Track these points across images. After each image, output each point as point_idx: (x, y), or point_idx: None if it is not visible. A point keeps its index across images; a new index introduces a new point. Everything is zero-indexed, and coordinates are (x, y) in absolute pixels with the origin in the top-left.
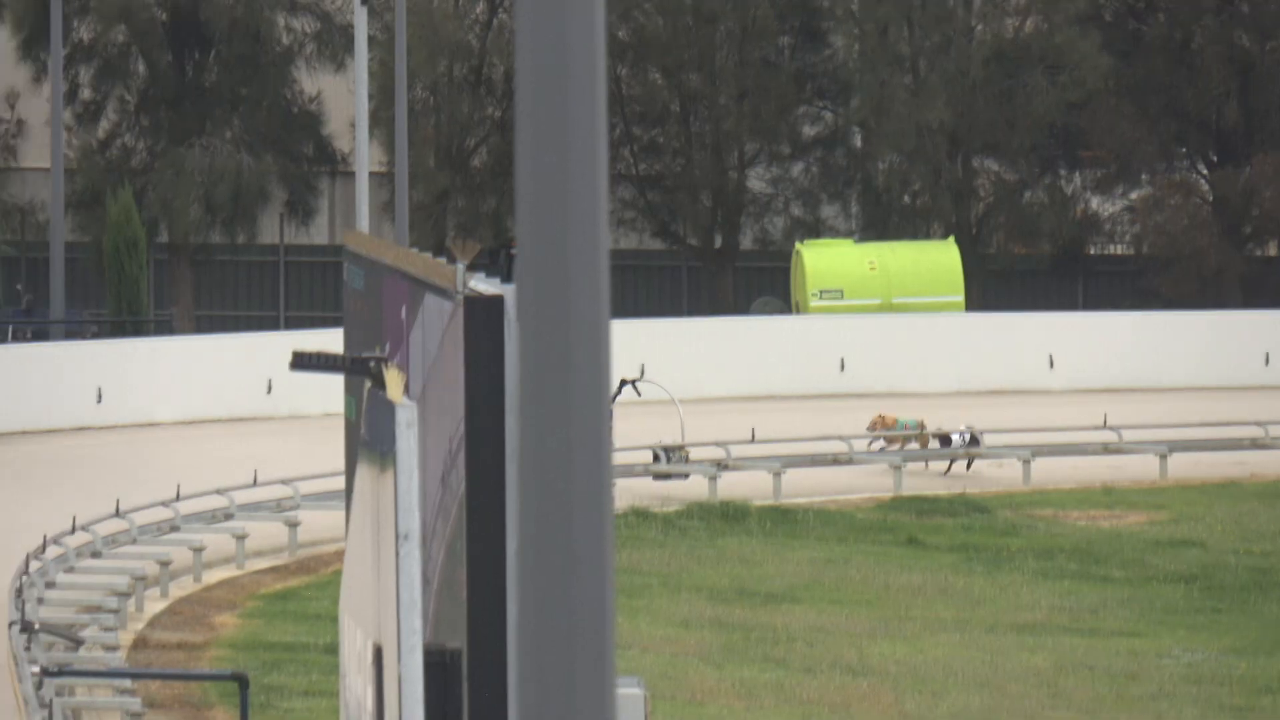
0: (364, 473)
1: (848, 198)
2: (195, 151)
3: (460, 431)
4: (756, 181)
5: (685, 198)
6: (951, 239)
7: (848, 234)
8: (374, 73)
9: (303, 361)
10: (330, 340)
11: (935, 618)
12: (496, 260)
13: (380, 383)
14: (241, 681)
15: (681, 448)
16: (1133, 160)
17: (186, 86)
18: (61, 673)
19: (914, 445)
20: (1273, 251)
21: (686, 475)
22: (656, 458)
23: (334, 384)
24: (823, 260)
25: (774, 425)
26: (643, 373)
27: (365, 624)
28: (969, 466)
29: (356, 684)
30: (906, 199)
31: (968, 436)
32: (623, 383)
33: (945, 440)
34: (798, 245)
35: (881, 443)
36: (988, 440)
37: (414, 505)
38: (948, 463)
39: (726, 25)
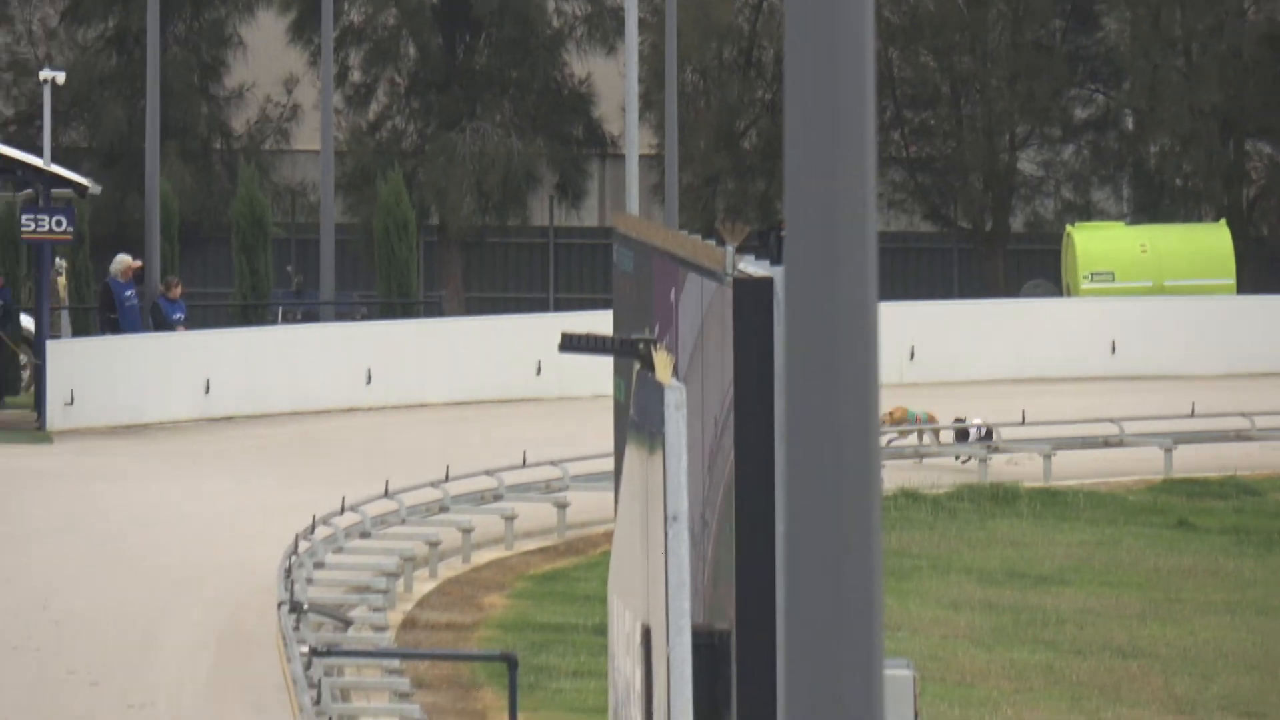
0: (632, 454)
1: (1119, 180)
2: (466, 135)
3: (726, 412)
4: (1027, 164)
5: (956, 180)
6: (1223, 222)
7: (1118, 217)
8: (644, 55)
9: (571, 343)
10: (599, 322)
11: (1206, 600)
12: (766, 242)
13: (649, 364)
14: (510, 662)
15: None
16: None
17: (456, 69)
18: (330, 653)
19: (927, 438)
20: None
21: (964, 458)
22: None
23: (603, 366)
24: (1094, 243)
25: (1044, 407)
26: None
27: (634, 605)
28: (969, 460)
29: (625, 665)
30: (1178, 182)
31: (984, 430)
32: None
33: (963, 434)
34: (1069, 228)
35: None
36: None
37: (682, 486)
38: (964, 456)
39: (998, 7)
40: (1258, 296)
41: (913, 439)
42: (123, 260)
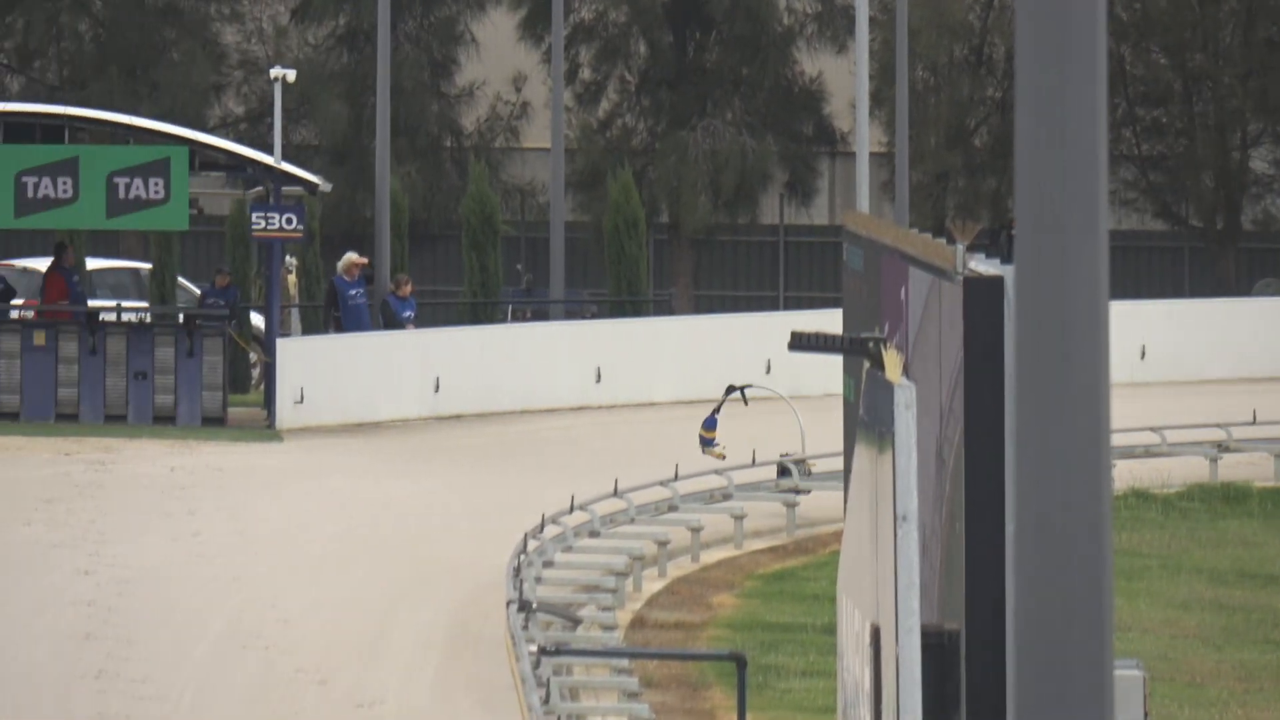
0: (862, 453)
1: None
2: (696, 133)
3: (951, 408)
4: (1259, 162)
5: (1187, 178)
6: None
7: None
8: (874, 52)
9: (801, 342)
10: (829, 320)
11: None
12: (996, 240)
13: (879, 363)
14: (739, 661)
15: (803, 461)
16: None
17: (687, 67)
18: (559, 651)
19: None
20: None
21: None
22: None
23: (833, 364)
24: None
25: (1276, 407)
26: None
27: (863, 605)
28: None
29: (854, 664)
30: None
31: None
32: (730, 389)
33: None
34: None
35: None
36: None
37: (912, 486)
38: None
39: (1230, 4)
40: None
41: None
42: (347, 258)
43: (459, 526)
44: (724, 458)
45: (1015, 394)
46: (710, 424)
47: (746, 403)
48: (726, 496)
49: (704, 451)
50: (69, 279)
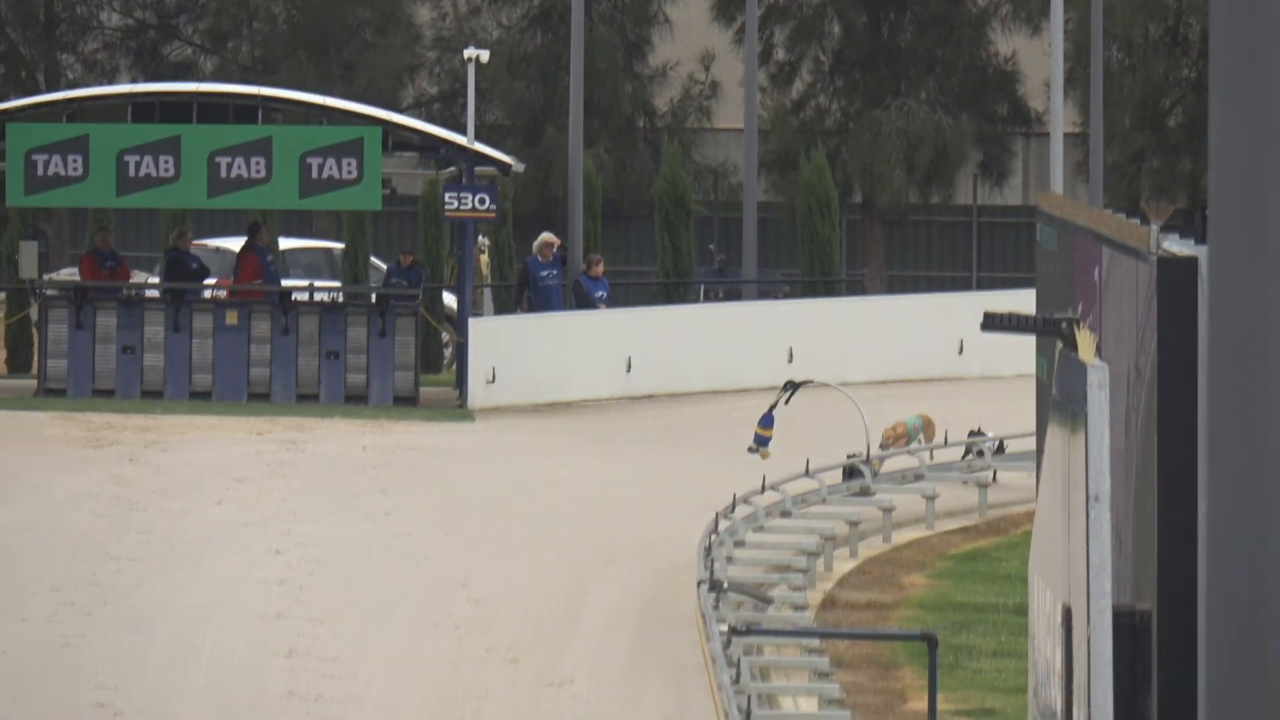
0: (1054, 434)
1: None
2: (890, 112)
3: (1144, 389)
4: None
5: None
6: None
7: None
8: (1069, 32)
9: (994, 322)
10: (1022, 301)
11: None
12: (1191, 221)
13: (1072, 344)
14: (930, 642)
15: (870, 460)
16: None
17: (881, 48)
18: (750, 631)
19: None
20: None
21: None
22: None
23: (1025, 345)
24: None
25: None
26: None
27: (1054, 585)
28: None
29: (1045, 645)
30: None
31: (996, 443)
32: (789, 385)
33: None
34: None
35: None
36: None
37: (1105, 467)
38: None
39: None
40: None
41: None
42: (542, 238)
43: (649, 506)
44: (768, 458)
45: (1209, 374)
46: (767, 422)
47: (787, 402)
48: (918, 477)
49: (752, 449)
50: (263, 259)
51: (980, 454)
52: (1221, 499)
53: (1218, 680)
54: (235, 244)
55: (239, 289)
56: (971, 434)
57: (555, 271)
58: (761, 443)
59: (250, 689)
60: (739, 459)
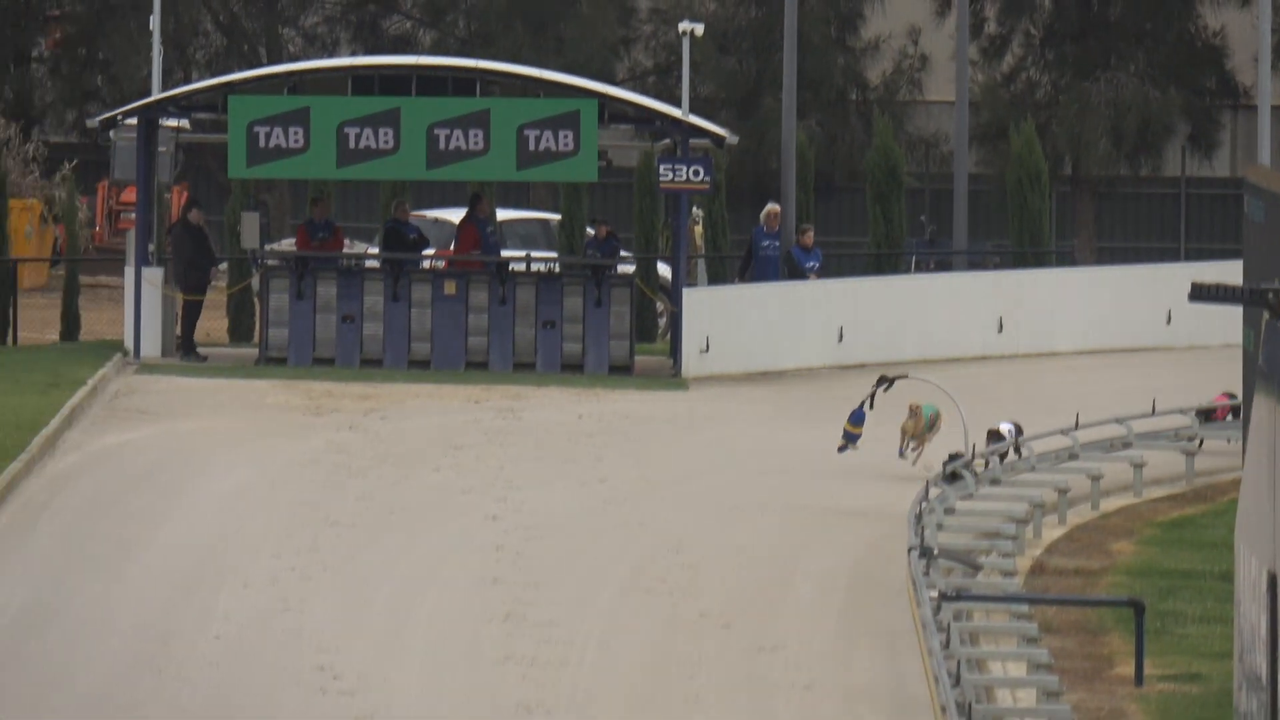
0: (1261, 403)
1: None
2: (1100, 85)
3: None
4: None
5: None
6: None
7: None
8: (1279, 6)
9: (1202, 293)
10: (1229, 272)
11: None
12: None
13: (1278, 314)
14: (1138, 608)
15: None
16: None
17: (1091, 21)
18: (959, 597)
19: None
20: None
21: None
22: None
23: (1233, 315)
24: None
25: None
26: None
27: (1261, 552)
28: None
29: (1251, 611)
30: None
31: (1014, 432)
32: (882, 380)
33: (996, 435)
34: None
35: (913, 443)
36: None
37: None
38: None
39: None
40: None
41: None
42: (768, 209)
43: (859, 474)
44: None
45: None
46: (858, 419)
47: (876, 400)
48: (1126, 445)
49: (841, 448)
50: (483, 229)
51: (956, 478)
52: None
53: None
54: (454, 215)
55: (457, 259)
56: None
57: (776, 243)
58: (851, 440)
59: (467, 653)
60: (949, 427)
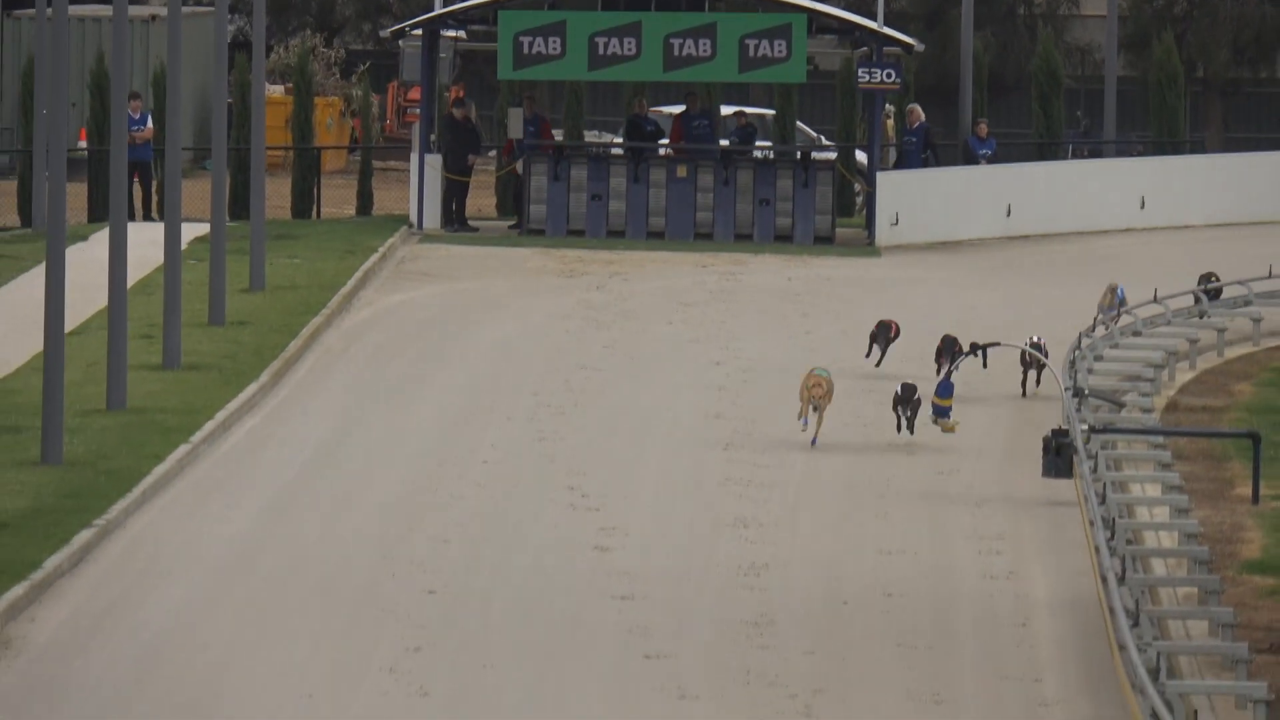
0: None
1: None
2: (1226, 3)
3: None
4: None
5: None
6: None
7: None
8: None
9: None
10: None
11: None
12: None
13: None
14: (1255, 439)
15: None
16: None
17: None
18: (1105, 430)
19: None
20: None
21: None
22: None
23: None
24: None
25: None
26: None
27: None
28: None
29: None
30: None
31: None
32: (974, 348)
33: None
34: None
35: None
36: None
37: None
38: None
39: None
40: None
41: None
42: (909, 108)
43: (1026, 326)
44: (955, 430)
45: None
46: (945, 390)
47: (985, 364)
48: (1247, 303)
49: (935, 421)
50: (689, 124)
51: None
52: None
53: None
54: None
55: (685, 148)
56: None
57: (913, 138)
58: (941, 414)
59: (693, 476)
60: (1099, 288)
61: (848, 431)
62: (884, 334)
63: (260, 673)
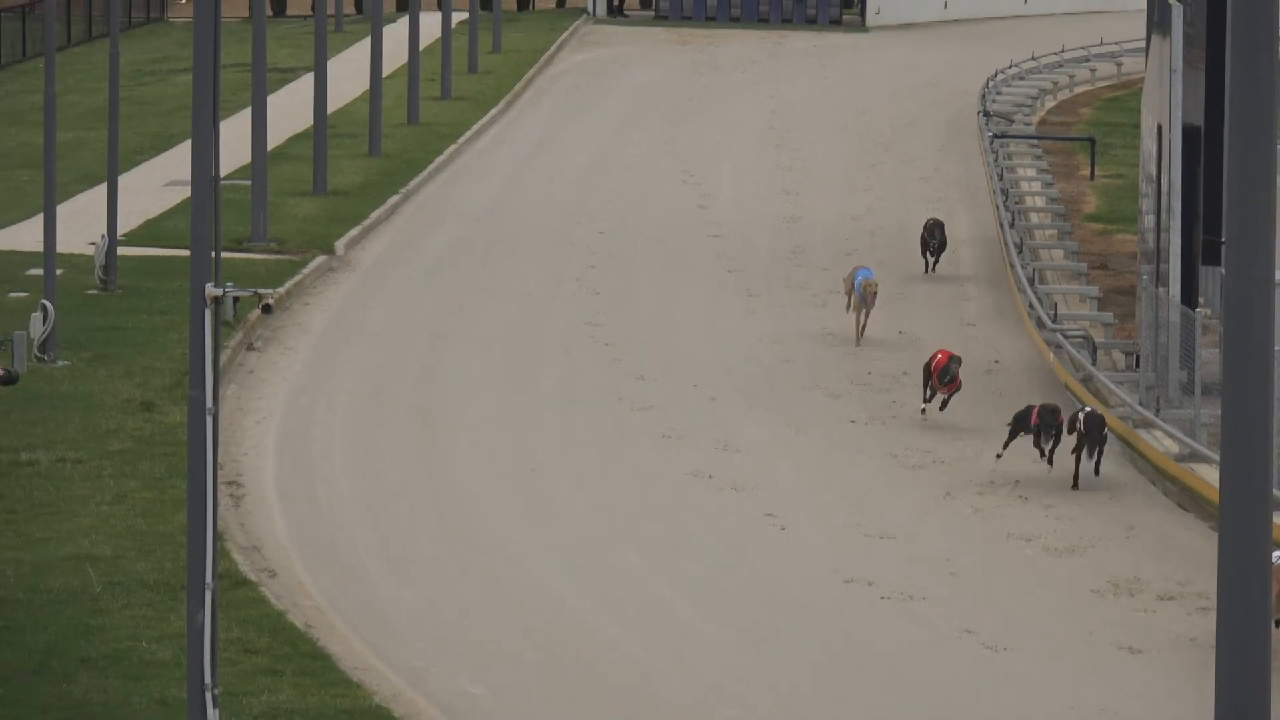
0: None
1: None
2: None
3: None
4: None
5: None
6: None
7: None
8: None
9: None
10: None
11: None
12: None
13: None
14: (1092, 141)
15: None
16: None
17: None
18: (1003, 135)
19: None
20: None
21: None
22: None
23: None
24: None
25: None
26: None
27: (1151, 110)
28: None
29: (1147, 144)
30: None
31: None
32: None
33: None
34: None
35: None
36: None
37: None
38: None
39: None
40: None
41: None
42: None
43: (956, 77)
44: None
45: None
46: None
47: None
48: (1087, 60)
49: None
50: None
51: None
52: None
53: None
54: None
55: None
56: None
57: None
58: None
59: (757, 163)
60: (999, 55)
61: (847, 138)
62: (939, 231)
63: (494, 283)
